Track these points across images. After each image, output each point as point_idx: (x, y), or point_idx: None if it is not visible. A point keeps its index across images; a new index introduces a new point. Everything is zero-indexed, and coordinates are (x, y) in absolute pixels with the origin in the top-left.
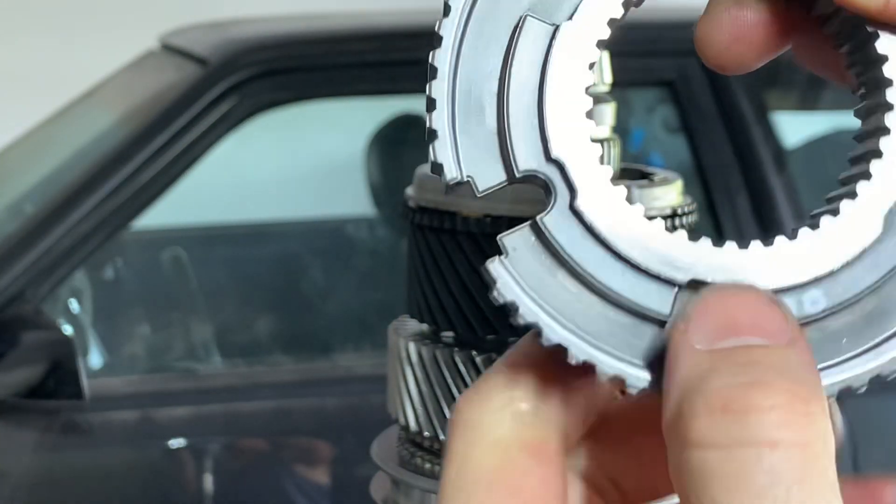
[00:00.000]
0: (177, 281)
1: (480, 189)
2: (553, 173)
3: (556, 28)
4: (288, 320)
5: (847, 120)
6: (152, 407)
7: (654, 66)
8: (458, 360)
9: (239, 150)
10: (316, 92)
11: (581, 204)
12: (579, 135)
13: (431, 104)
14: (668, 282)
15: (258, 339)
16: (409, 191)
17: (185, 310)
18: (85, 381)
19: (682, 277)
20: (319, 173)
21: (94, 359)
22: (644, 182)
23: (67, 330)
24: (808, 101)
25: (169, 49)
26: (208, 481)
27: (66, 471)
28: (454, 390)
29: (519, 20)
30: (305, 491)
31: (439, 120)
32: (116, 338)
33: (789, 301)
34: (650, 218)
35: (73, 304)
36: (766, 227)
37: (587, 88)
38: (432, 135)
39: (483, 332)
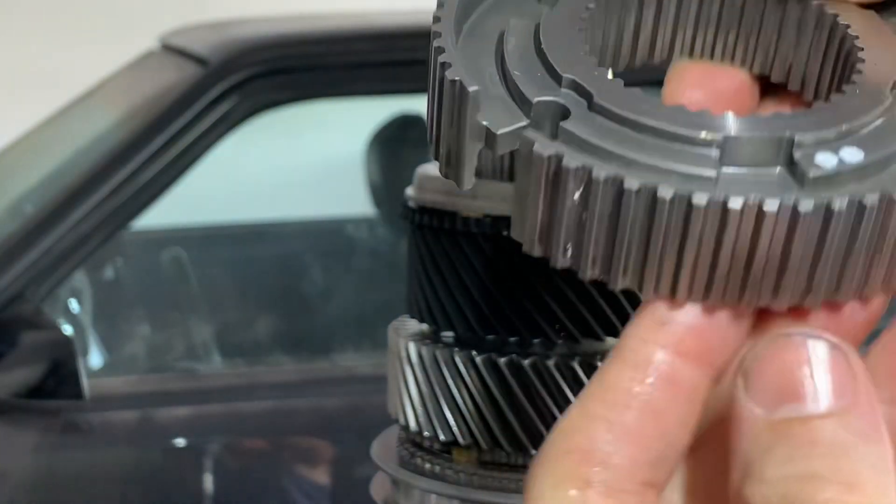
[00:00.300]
0: (177, 281)
1: (499, 132)
2: (567, 95)
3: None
4: (288, 320)
5: None
6: (152, 407)
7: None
8: (458, 360)
9: (239, 150)
10: (316, 92)
11: (602, 100)
12: (582, 58)
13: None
14: (707, 143)
15: (258, 339)
16: (409, 191)
17: (185, 310)
18: (85, 382)
19: (719, 137)
20: (319, 173)
21: (95, 359)
22: None
23: (67, 330)
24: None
25: (169, 49)
26: (209, 481)
27: (67, 471)
28: (454, 390)
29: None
30: (306, 491)
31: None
32: (116, 338)
33: (826, 156)
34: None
35: (73, 305)
36: None
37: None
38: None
39: (483, 331)
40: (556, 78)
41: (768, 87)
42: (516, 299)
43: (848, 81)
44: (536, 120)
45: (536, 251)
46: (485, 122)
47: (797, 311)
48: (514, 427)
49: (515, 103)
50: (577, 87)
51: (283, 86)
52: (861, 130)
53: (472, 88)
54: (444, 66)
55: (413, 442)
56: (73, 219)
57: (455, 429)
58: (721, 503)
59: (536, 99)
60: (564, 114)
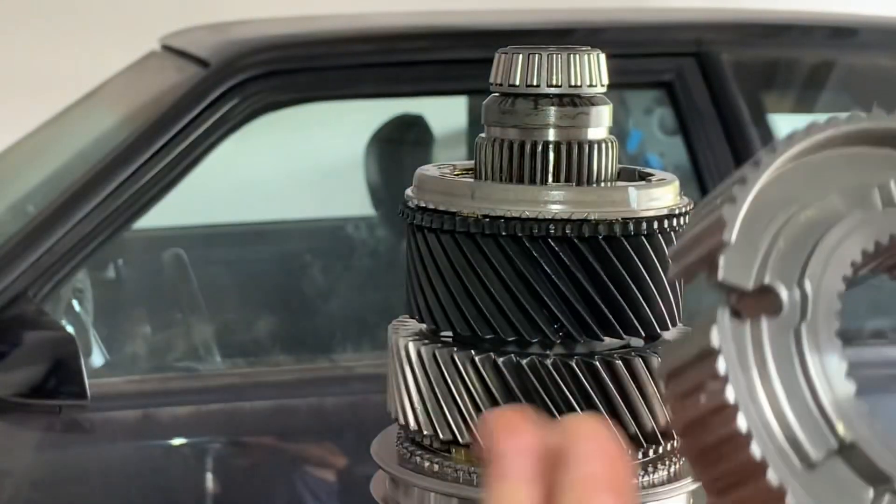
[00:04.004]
0: (178, 280)
1: None
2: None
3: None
4: (288, 320)
5: None
6: (153, 406)
7: (651, 68)
8: (457, 359)
9: (239, 151)
10: (316, 93)
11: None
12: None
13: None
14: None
15: (259, 339)
16: (409, 191)
17: (185, 309)
18: (86, 381)
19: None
20: (319, 173)
21: (96, 358)
22: (642, 183)
23: (69, 330)
24: (805, 103)
25: (170, 50)
26: (209, 480)
27: (68, 470)
28: (453, 389)
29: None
30: (306, 489)
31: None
32: (118, 337)
33: None
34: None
35: (75, 304)
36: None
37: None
38: None
39: (482, 331)
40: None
41: None
42: (515, 299)
43: None
44: None
45: None
46: None
47: None
48: None
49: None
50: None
51: (284, 87)
52: None
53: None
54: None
55: (412, 441)
56: (75, 219)
57: (454, 427)
58: None
59: None
60: None
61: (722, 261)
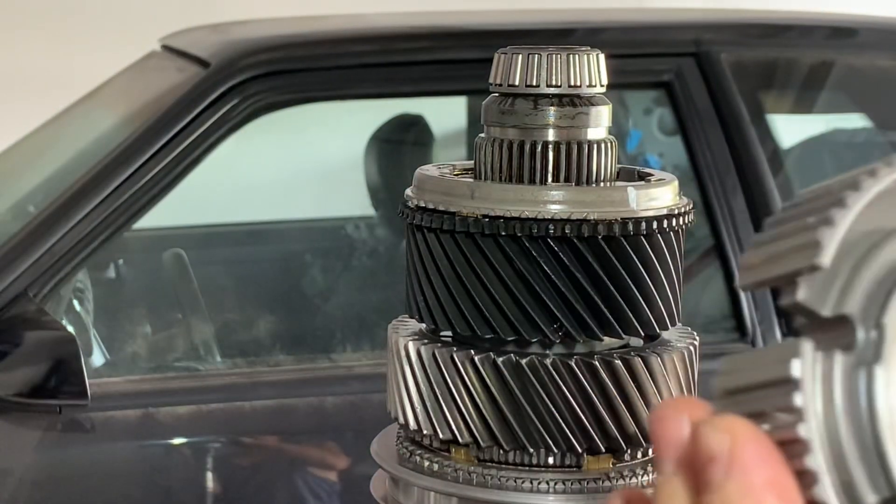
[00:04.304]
0: (178, 280)
1: None
2: None
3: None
4: (288, 320)
5: (842, 121)
6: (154, 406)
7: (650, 68)
8: (456, 359)
9: (239, 151)
10: (316, 93)
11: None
12: None
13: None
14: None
15: (259, 339)
16: (409, 191)
17: (185, 309)
18: (87, 380)
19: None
20: (319, 173)
21: (96, 358)
22: (641, 183)
23: (69, 329)
24: (804, 104)
25: (170, 51)
26: (209, 479)
27: (69, 469)
28: (453, 389)
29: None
30: (306, 488)
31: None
32: (118, 337)
33: None
34: None
35: (76, 304)
36: (762, 227)
37: None
38: None
39: (482, 331)
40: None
41: None
42: (515, 299)
43: None
44: None
45: None
46: None
47: None
48: (513, 425)
49: None
50: None
51: (284, 87)
52: None
53: None
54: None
55: (412, 440)
56: (76, 219)
57: (454, 427)
58: None
59: None
60: None
61: (805, 283)
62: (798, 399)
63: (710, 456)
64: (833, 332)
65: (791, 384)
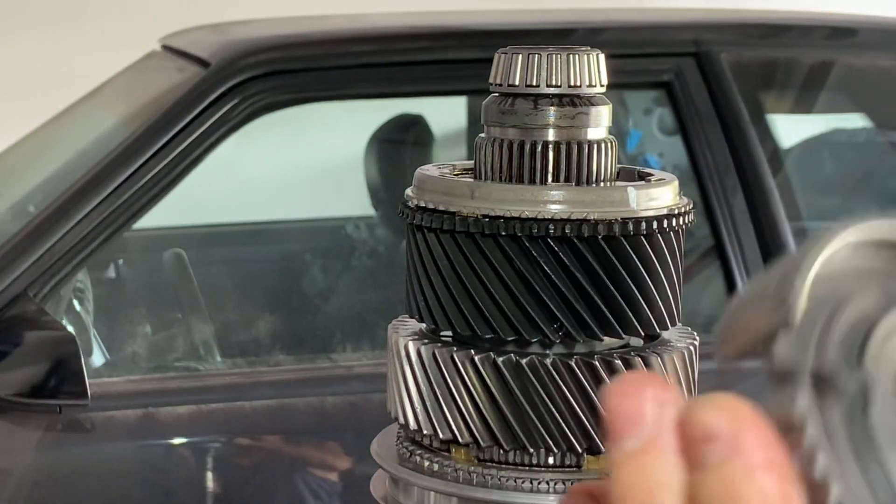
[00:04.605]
0: (178, 280)
1: None
2: None
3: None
4: (288, 320)
5: (842, 121)
6: (154, 406)
7: (650, 68)
8: (456, 359)
9: (239, 150)
10: (316, 93)
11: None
12: None
13: None
14: None
15: (259, 339)
16: (409, 191)
17: (185, 309)
18: (87, 380)
19: None
20: (319, 173)
21: (96, 358)
22: (641, 183)
23: (70, 329)
24: (804, 104)
25: (170, 51)
26: (209, 479)
27: (69, 469)
28: (453, 389)
29: None
30: (307, 488)
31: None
32: (118, 337)
33: None
34: None
35: (76, 304)
36: (762, 227)
37: None
38: None
39: (482, 331)
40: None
41: None
42: (515, 299)
43: None
44: None
45: None
46: None
47: None
48: (513, 425)
49: None
50: None
51: (284, 87)
52: None
53: None
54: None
55: (412, 440)
56: (76, 219)
57: (454, 427)
58: None
59: None
60: None
61: (782, 341)
62: (810, 437)
63: (708, 434)
64: (825, 384)
65: (800, 428)
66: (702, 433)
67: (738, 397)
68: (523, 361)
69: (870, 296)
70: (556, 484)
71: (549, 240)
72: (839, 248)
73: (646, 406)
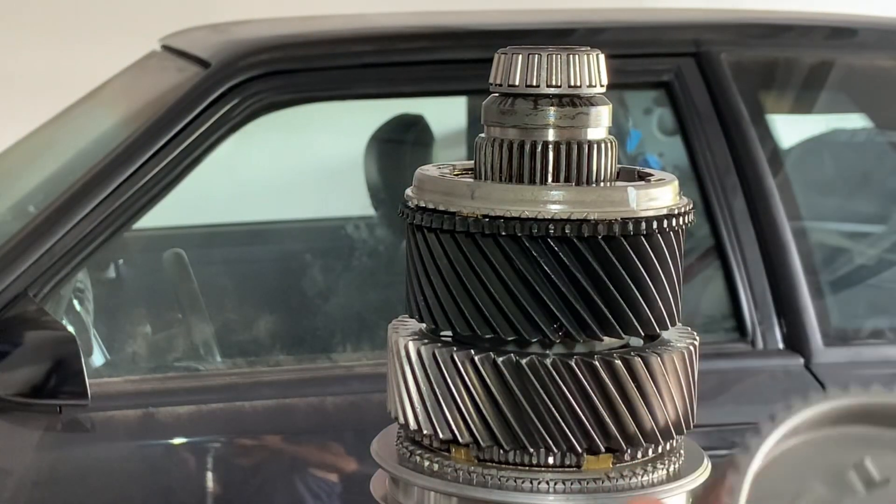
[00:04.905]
0: (178, 280)
1: None
2: None
3: None
4: (288, 320)
5: (842, 121)
6: (154, 405)
7: (650, 68)
8: (456, 359)
9: (239, 151)
10: (316, 93)
11: None
12: None
13: None
14: None
15: (259, 338)
16: (409, 191)
17: (185, 309)
18: (87, 380)
19: None
20: (319, 173)
21: (96, 358)
22: (641, 183)
23: (70, 329)
24: (804, 104)
25: (170, 51)
26: (210, 479)
27: (69, 469)
28: (453, 389)
29: None
30: (306, 488)
31: None
32: (118, 337)
33: None
34: None
35: (76, 304)
36: (762, 227)
37: None
38: None
39: (482, 331)
40: None
41: None
42: (515, 299)
43: None
44: None
45: None
46: None
47: None
48: (513, 425)
49: None
50: None
51: (284, 87)
52: None
53: None
54: None
55: (412, 440)
56: (76, 219)
57: (454, 427)
58: None
59: None
60: None
61: None
62: None
63: None
64: None
65: None
66: None
67: None
68: (523, 361)
69: (814, 493)
70: (556, 484)
71: (549, 240)
72: (784, 435)
73: None
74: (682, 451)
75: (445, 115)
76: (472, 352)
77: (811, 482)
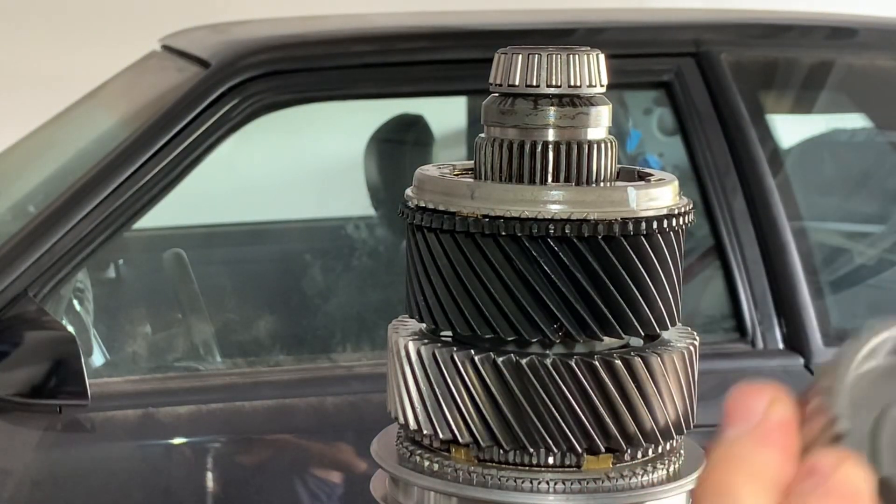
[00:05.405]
0: (178, 280)
1: None
2: None
3: None
4: (288, 320)
5: (842, 121)
6: (154, 406)
7: (650, 68)
8: (456, 359)
9: (239, 151)
10: (316, 93)
11: None
12: None
13: None
14: None
15: (259, 339)
16: (409, 191)
17: (185, 309)
18: (87, 380)
19: None
20: (319, 173)
21: (96, 358)
22: (641, 183)
23: (70, 329)
24: (804, 104)
25: (171, 51)
26: (210, 479)
27: (69, 469)
28: (453, 389)
29: None
30: (306, 488)
31: None
32: (118, 337)
33: None
34: None
35: (76, 304)
36: (762, 227)
37: None
38: None
39: (482, 331)
40: None
41: None
42: (515, 299)
43: None
44: None
45: None
46: None
47: None
48: (513, 425)
49: None
50: None
51: (284, 87)
52: None
53: None
54: None
55: (412, 440)
56: (76, 219)
57: (454, 427)
58: None
59: None
60: None
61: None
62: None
63: (818, 472)
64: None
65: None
66: (819, 471)
67: (863, 469)
68: (523, 361)
69: None
70: (556, 484)
71: (549, 240)
72: (876, 346)
73: (755, 404)
74: (682, 451)
75: (445, 115)
76: (472, 352)
77: None
